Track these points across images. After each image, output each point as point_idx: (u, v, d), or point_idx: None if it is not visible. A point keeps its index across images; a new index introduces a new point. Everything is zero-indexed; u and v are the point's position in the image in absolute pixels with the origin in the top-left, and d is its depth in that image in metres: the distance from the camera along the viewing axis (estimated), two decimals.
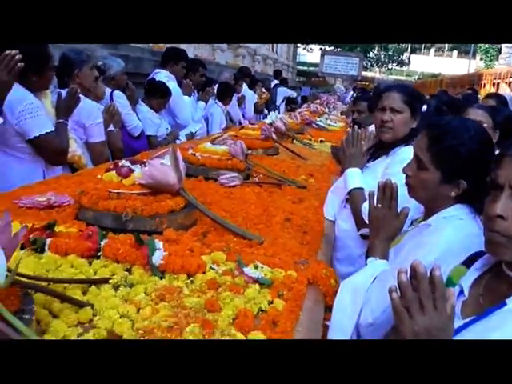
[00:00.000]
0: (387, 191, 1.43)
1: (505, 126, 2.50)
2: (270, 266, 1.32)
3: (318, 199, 2.20)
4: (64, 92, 2.55)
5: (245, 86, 6.52)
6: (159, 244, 1.26)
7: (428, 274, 0.87)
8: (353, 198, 1.93)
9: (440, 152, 1.31)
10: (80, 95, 2.52)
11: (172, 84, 4.07)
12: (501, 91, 14.31)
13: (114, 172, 1.54)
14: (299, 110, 6.64)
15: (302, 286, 1.25)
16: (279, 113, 8.33)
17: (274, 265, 1.33)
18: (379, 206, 1.45)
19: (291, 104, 9.22)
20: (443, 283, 0.86)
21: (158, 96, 3.84)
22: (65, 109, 2.48)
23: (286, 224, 1.78)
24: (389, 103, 1.93)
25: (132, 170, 1.54)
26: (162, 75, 4.12)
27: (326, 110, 8.08)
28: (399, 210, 1.45)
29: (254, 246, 1.48)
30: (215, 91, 5.13)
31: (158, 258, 1.21)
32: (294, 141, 4.04)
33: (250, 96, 6.67)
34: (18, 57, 1.99)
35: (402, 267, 0.90)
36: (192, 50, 7.67)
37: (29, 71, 2.20)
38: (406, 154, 1.91)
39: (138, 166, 1.56)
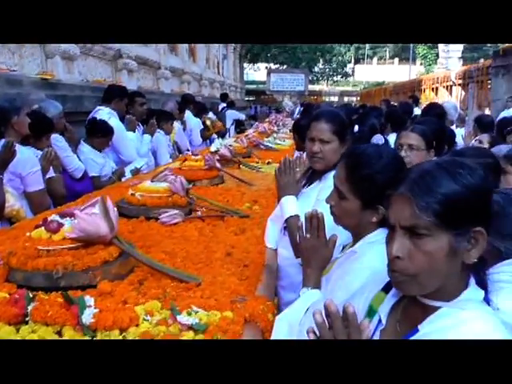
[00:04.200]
0: (314, 221, 1.46)
1: (438, 143, 2.48)
2: (206, 309, 1.32)
3: (260, 227, 2.21)
4: None
5: (189, 114, 6.50)
6: (90, 300, 1.25)
7: (341, 311, 0.89)
8: (290, 226, 1.95)
9: (357, 181, 1.35)
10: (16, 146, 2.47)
11: (114, 121, 4.02)
12: (439, 95, 14.90)
13: (43, 228, 1.52)
14: (247, 132, 6.71)
15: (238, 327, 1.26)
16: (229, 136, 8.40)
17: (210, 307, 1.34)
18: (307, 236, 1.47)
19: (240, 126, 9.31)
20: (356, 319, 0.89)
21: (99, 135, 3.77)
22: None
23: (227, 259, 1.79)
24: (317, 134, 1.98)
25: (61, 225, 1.52)
26: (104, 112, 4.06)
27: (275, 129, 8.20)
28: (328, 238, 1.48)
29: (191, 289, 1.48)
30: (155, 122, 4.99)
31: (88, 316, 1.19)
32: (241, 166, 4.06)
33: (196, 123, 6.63)
34: None
35: (316, 309, 0.91)
36: (135, 81, 7.65)
37: None
38: None
39: (68, 219, 1.55)
